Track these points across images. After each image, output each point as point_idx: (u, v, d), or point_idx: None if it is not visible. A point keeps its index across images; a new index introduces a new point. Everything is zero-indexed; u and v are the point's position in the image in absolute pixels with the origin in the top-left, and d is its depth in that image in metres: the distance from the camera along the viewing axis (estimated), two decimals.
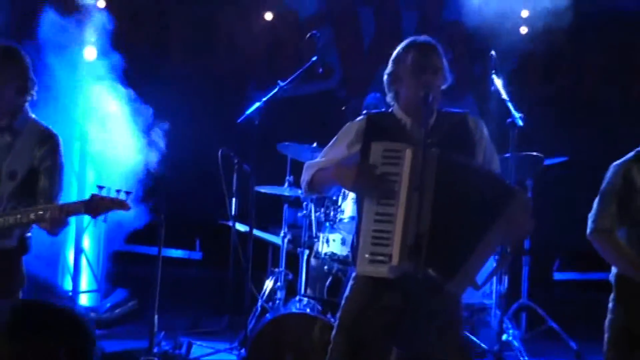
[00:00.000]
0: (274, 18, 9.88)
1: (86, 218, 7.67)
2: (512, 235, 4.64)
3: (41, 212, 4.93)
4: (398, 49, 4.69)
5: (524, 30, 9.47)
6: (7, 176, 5.13)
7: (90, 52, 8.16)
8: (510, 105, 6.78)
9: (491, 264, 5.04)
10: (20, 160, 5.16)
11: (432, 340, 4.45)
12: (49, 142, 5.27)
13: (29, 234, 5.22)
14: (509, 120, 6.67)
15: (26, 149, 5.17)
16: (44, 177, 5.21)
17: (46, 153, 5.26)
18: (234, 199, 7.53)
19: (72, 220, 7.76)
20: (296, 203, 7.90)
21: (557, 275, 9.44)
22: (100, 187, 4.98)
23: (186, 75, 9.87)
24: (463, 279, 4.50)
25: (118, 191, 4.98)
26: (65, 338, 5.72)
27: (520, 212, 4.52)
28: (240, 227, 7.78)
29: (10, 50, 5.66)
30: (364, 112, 5.06)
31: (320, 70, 7.37)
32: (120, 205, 4.98)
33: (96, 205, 5.00)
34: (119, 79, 7.54)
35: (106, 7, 8.47)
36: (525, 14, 9.27)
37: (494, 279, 7.29)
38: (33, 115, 5.31)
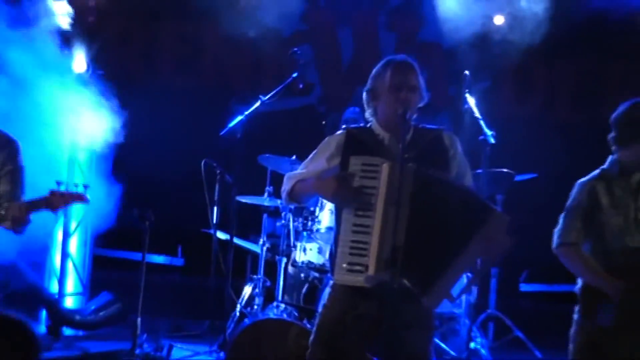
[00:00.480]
0: (257, 36, 9.87)
1: (75, 222, 8.18)
2: (490, 252, 4.73)
3: (3, 212, 5.33)
4: (377, 66, 4.86)
5: (497, 49, 9.52)
6: None
7: (79, 64, 8.31)
8: (482, 123, 7.22)
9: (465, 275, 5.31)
10: None
11: (407, 348, 4.65)
12: (8, 147, 5.63)
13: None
14: (481, 137, 7.12)
15: None
16: (5, 180, 5.58)
17: (6, 158, 5.62)
18: (215, 208, 7.63)
19: (59, 224, 7.98)
20: (275, 213, 8.11)
21: (524, 287, 9.58)
22: (59, 183, 5.40)
23: (173, 88, 10.02)
24: (439, 293, 4.63)
25: (76, 185, 5.50)
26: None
27: (498, 230, 4.63)
28: (222, 236, 7.91)
29: None
30: (343, 126, 5.30)
31: (301, 85, 7.73)
32: (79, 198, 5.42)
33: (56, 200, 5.42)
34: (106, 92, 7.59)
35: (95, 21, 8.68)
36: (499, 34, 9.41)
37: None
38: None
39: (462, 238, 4.57)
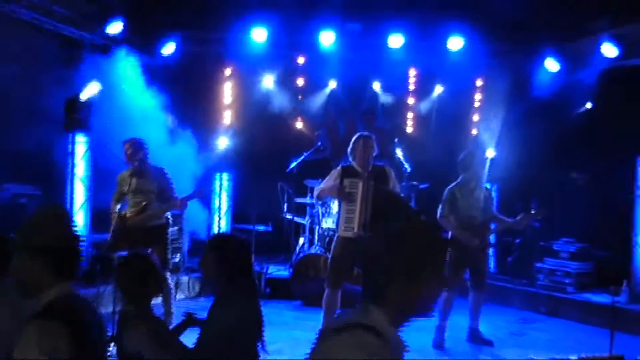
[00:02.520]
0: (301, 125, 13.60)
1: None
2: None
3: (172, 203, 7.79)
4: (355, 137, 7.57)
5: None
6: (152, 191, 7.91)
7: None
8: (404, 162, 11.29)
9: None
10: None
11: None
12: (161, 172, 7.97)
13: (169, 216, 8.08)
14: (403, 168, 11.19)
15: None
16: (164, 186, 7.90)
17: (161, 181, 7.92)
18: (285, 205, 11.45)
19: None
20: (311, 205, 11.13)
21: None
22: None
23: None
24: None
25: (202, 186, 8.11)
26: None
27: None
28: (289, 216, 11.47)
29: None
30: (340, 165, 7.73)
31: (322, 147, 11.49)
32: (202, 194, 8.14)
33: (198, 194, 7.92)
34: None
35: None
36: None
37: None
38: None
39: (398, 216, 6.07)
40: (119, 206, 8.05)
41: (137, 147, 7.99)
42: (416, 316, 2.49)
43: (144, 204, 7.82)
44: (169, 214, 8.21)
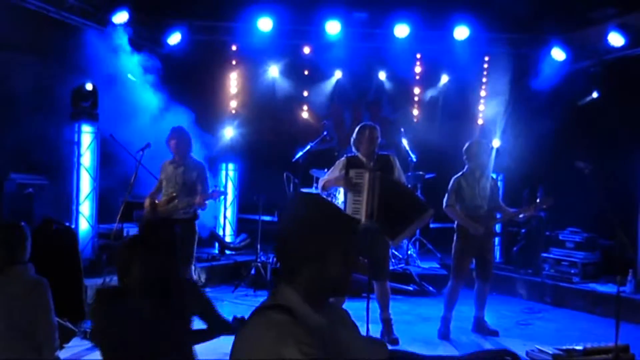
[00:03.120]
0: (307, 115, 13.83)
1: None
2: (415, 228, 7.48)
3: (196, 198, 7.91)
4: (359, 127, 7.57)
5: None
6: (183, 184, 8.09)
7: None
8: (409, 152, 11.38)
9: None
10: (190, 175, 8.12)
11: (379, 253, 7.27)
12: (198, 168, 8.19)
13: (198, 210, 8.12)
14: (409, 158, 11.30)
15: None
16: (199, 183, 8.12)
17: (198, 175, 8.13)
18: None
19: (221, 205, 11.53)
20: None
21: (432, 225, 12.11)
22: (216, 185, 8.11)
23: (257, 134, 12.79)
24: (398, 240, 7.53)
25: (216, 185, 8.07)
26: None
27: (425, 220, 7.33)
28: None
29: None
30: (345, 155, 7.65)
31: (328, 137, 11.41)
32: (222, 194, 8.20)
33: (217, 194, 8.07)
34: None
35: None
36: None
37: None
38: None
39: (409, 217, 6.93)
40: (157, 194, 8.32)
41: (180, 138, 8.20)
42: (330, 295, 2.59)
43: (173, 194, 7.99)
44: (199, 210, 8.33)
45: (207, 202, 8.08)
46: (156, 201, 8.18)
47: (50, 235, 7.48)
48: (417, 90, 13.51)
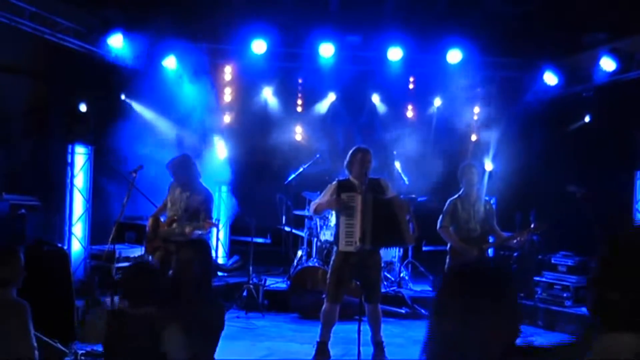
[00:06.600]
0: (300, 137, 13.78)
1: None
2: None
3: (200, 224, 7.80)
4: (353, 150, 7.54)
5: None
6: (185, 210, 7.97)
7: None
8: (402, 174, 11.58)
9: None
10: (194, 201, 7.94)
11: (370, 277, 7.23)
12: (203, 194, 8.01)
13: (202, 232, 7.91)
14: (402, 181, 11.45)
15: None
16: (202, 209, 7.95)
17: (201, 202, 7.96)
18: (284, 217, 11.79)
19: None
20: (310, 218, 11.15)
21: (425, 247, 12.01)
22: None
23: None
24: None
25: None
26: None
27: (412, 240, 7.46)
28: (287, 228, 11.85)
29: None
30: (336, 179, 7.68)
31: (320, 160, 11.71)
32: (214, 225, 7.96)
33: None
34: None
35: None
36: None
37: (398, 249, 11.23)
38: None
39: (397, 228, 7.03)
40: (161, 213, 8.29)
41: (174, 168, 8.14)
42: None
43: (174, 217, 7.93)
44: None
45: (211, 229, 8.16)
46: (160, 221, 8.15)
47: (41, 257, 7.44)
48: (410, 114, 13.55)
